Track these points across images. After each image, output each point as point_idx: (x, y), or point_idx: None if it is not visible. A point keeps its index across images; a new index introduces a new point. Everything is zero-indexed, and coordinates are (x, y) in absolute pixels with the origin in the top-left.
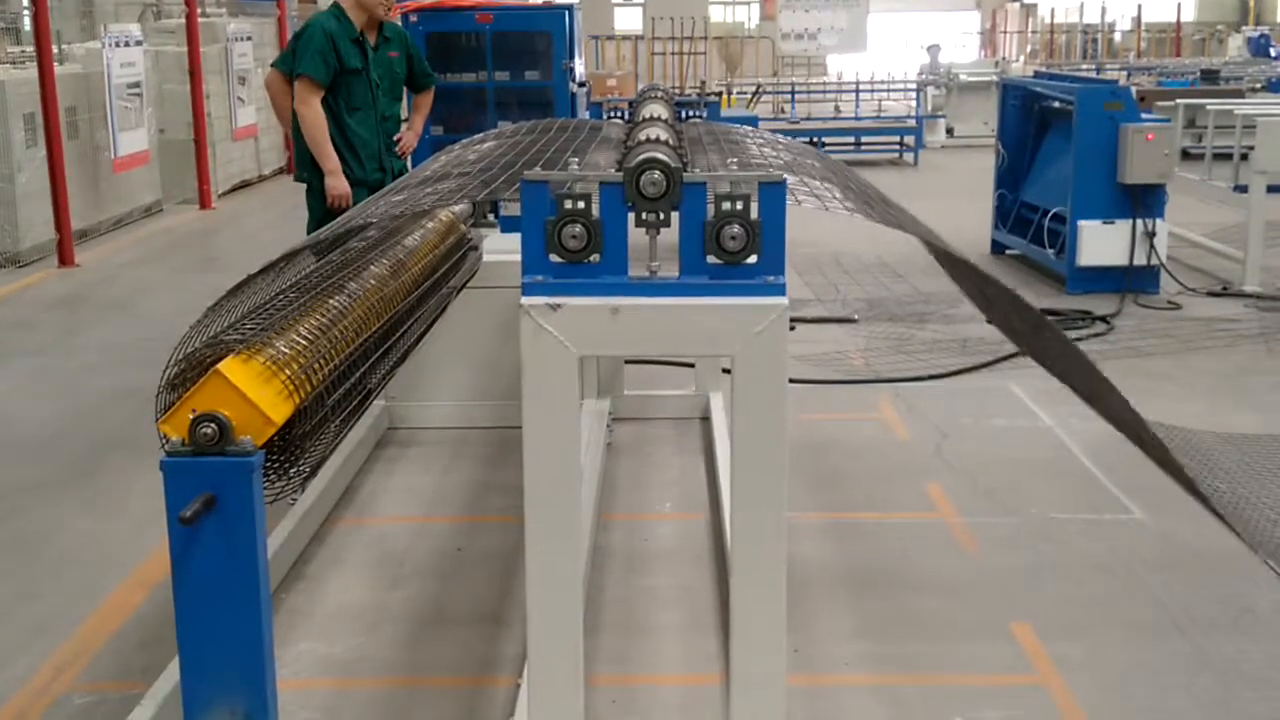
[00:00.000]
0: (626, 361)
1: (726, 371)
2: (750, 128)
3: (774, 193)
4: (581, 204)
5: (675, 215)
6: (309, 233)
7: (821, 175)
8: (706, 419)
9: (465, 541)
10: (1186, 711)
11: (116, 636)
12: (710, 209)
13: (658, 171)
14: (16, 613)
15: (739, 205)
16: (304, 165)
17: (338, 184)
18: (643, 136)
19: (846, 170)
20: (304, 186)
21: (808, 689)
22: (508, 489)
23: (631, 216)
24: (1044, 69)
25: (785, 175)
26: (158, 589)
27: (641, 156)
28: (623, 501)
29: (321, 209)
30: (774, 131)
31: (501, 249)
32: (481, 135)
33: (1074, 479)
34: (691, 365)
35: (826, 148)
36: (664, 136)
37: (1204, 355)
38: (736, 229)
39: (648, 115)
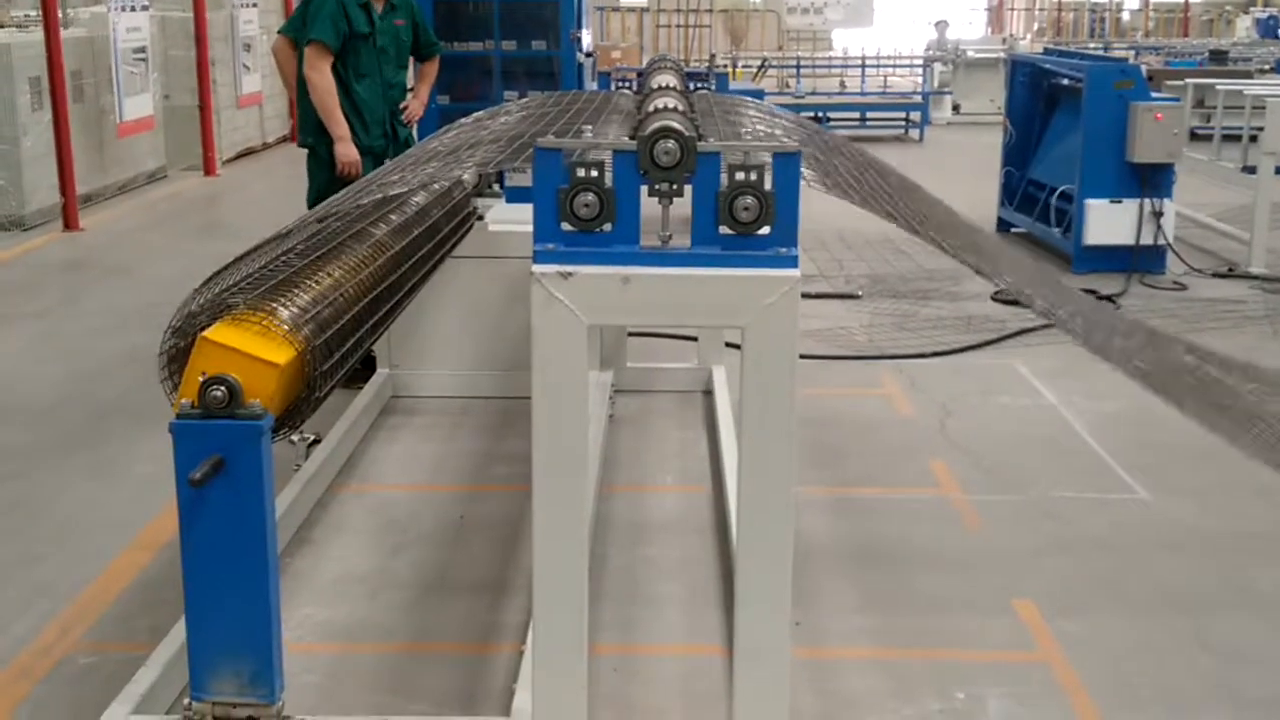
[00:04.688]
0: (630, 334)
1: (730, 345)
2: (756, 100)
3: (788, 164)
4: (594, 172)
5: (688, 185)
6: (309, 201)
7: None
8: (709, 393)
9: (468, 509)
10: (1187, 690)
11: (121, 599)
12: (723, 179)
13: (672, 141)
14: (21, 575)
15: (753, 176)
16: (309, 130)
17: (347, 151)
18: (656, 106)
19: (851, 148)
20: (306, 153)
21: (811, 662)
22: (510, 458)
23: (644, 186)
24: (1052, 46)
25: (800, 147)
26: (162, 552)
27: (655, 125)
28: (625, 474)
29: (324, 176)
30: (782, 107)
31: (507, 219)
32: (489, 111)
33: (1078, 457)
34: (695, 339)
35: (831, 123)
36: (677, 105)
37: (1209, 336)
38: (750, 200)
39: (659, 85)
